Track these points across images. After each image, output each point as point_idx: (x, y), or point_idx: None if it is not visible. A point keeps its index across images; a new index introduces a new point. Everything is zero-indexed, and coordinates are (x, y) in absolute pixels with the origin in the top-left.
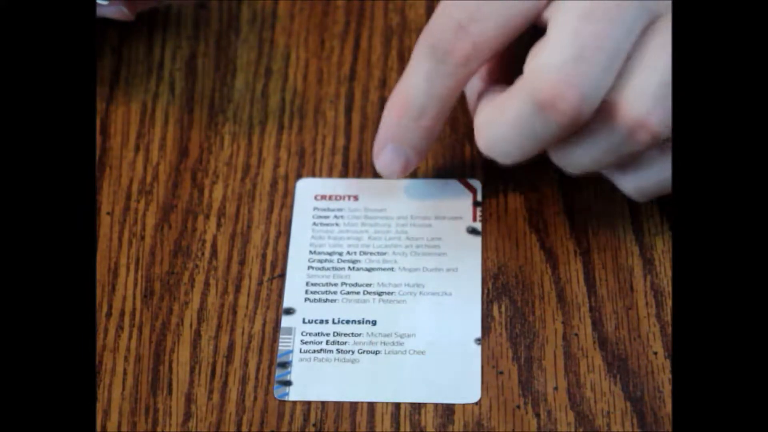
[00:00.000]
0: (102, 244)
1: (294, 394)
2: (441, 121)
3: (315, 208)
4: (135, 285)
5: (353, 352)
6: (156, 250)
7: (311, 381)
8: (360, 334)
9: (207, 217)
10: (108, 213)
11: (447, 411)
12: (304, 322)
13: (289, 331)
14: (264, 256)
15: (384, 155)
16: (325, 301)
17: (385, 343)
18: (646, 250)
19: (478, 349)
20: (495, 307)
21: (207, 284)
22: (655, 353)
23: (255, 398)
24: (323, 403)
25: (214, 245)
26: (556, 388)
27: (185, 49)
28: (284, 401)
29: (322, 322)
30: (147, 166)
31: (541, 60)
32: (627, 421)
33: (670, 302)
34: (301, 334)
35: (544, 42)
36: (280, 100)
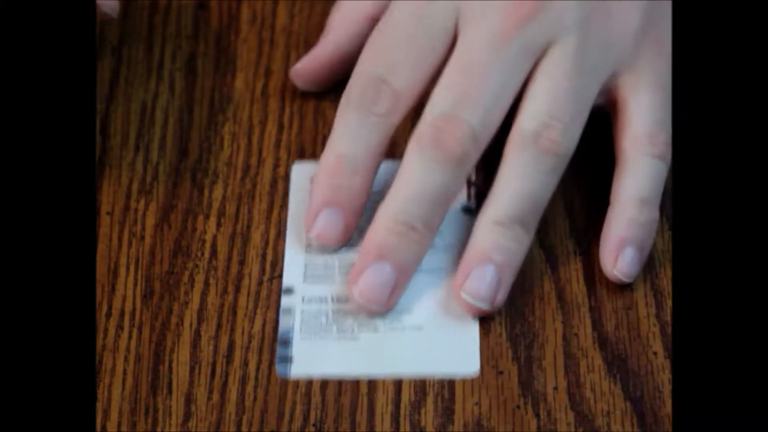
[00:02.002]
0: (102, 244)
1: (296, 370)
2: (372, 177)
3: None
4: (135, 285)
5: (353, 330)
6: (156, 250)
7: (313, 358)
8: (359, 312)
9: (207, 217)
10: (108, 213)
11: (447, 411)
12: (303, 301)
13: (289, 310)
14: (264, 256)
15: (319, 222)
16: (324, 280)
17: (383, 320)
18: None
19: (475, 322)
20: None
21: (207, 284)
22: (655, 353)
23: (255, 398)
24: (324, 400)
25: (214, 245)
26: (556, 388)
27: (185, 49)
28: (286, 380)
29: (321, 300)
30: (147, 166)
31: (424, 112)
32: (627, 421)
33: (670, 302)
34: (301, 313)
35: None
36: (280, 100)
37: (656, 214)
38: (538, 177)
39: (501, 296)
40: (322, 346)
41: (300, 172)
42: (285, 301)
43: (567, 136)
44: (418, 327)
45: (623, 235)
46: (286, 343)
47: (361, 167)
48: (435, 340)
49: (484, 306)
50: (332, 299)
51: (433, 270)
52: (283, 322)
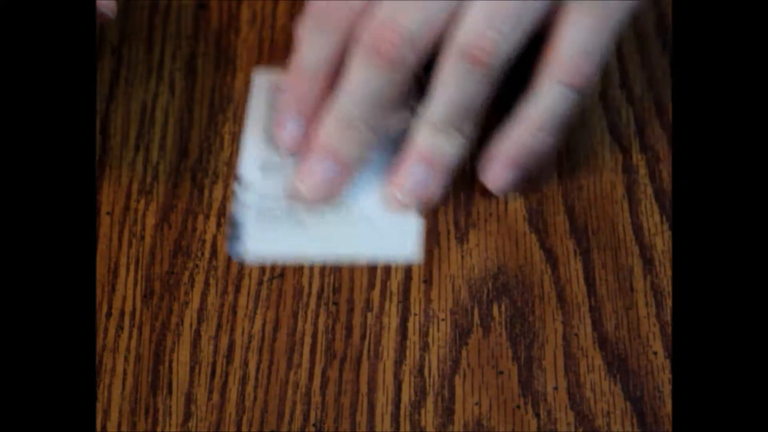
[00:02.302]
0: (102, 244)
1: (249, 255)
2: (330, 84)
3: (269, 101)
4: (135, 285)
5: (304, 219)
6: (156, 250)
7: (266, 242)
8: (309, 204)
9: (207, 217)
10: (108, 213)
11: (447, 411)
12: (258, 195)
13: (245, 203)
14: None
15: (285, 132)
16: (278, 175)
17: (332, 210)
18: (646, 250)
19: (417, 212)
20: (495, 307)
21: (207, 284)
22: (655, 353)
23: (255, 398)
24: (324, 400)
25: (214, 245)
26: (556, 388)
27: (185, 49)
28: (287, 380)
29: (275, 196)
30: (147, 166)
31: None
32: (627, 421)
33: (670, 302)
34: (257, 206)
35: None
36: None
37: (551, 141)
38: (470, 86)
39: (432, 193)
40: (275, 233)
41: (261, 79)
42: (241, 194)
43: (500, 48)
44: (364, 217)
45: (510, 156)
46: (241, 227)
47: (321, 75)
48: (379, 228)
49: (415, 203)
50: (286, 192)
51: (380, 165)
52: (240, 213)
